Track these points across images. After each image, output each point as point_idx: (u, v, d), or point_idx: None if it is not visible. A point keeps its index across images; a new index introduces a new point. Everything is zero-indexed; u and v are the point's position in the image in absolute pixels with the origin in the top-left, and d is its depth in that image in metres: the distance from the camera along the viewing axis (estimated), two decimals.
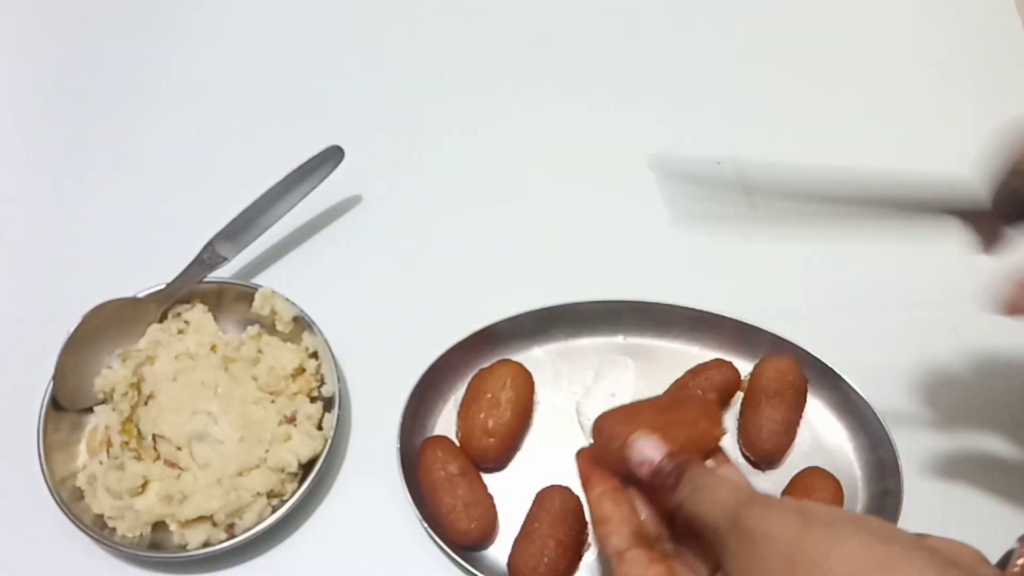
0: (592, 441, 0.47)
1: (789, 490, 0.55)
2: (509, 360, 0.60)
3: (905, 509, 0.54)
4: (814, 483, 0.55)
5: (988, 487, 0.57)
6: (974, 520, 0.56)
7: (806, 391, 0.59)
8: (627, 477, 0.45)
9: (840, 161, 0.71)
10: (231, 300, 0.63)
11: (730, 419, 0.60)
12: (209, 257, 0.62)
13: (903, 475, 0.55)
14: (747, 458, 0.58)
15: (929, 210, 0.47)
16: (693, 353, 0.61)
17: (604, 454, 0.46)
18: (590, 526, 0.55)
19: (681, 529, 0.45)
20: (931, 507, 0.55)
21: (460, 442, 0.58)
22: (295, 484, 0.56)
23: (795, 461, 0.58)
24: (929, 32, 0.79)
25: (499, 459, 0.58)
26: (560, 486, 0.55)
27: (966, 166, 0.72)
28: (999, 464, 0.58)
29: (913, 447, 0.56)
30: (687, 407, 0.48)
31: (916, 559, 0.34)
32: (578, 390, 0.61)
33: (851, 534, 0.36)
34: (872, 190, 0.46)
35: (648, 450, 0.43)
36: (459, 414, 0.58)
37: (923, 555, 0.34)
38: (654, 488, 0.43)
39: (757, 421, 0.57)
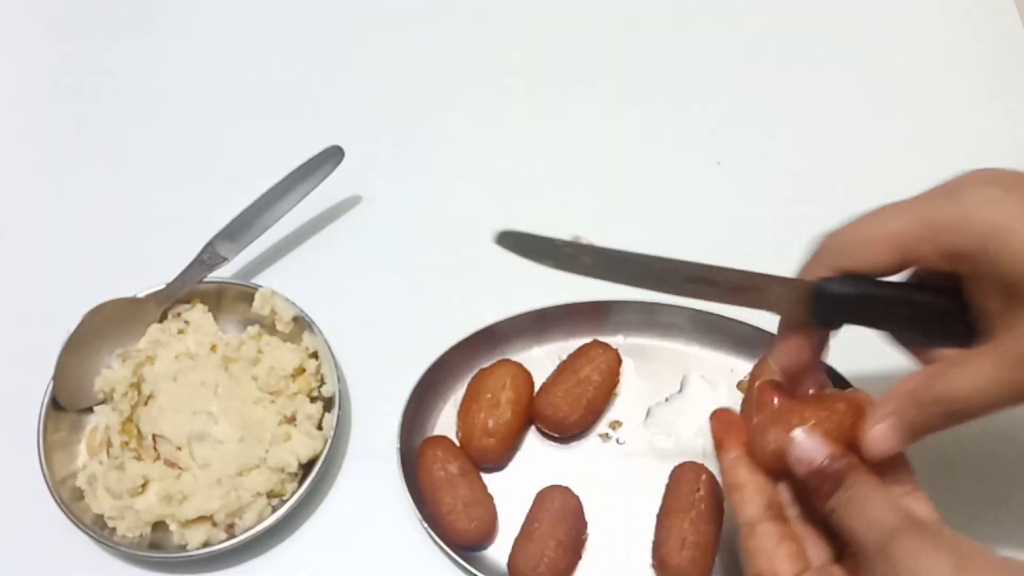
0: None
1: None
2: (509, 360, 0.60)
3: None
4: None
5: (988, 485, 0.57)
6: (974, 518, 0.56)
7: None
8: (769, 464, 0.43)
9: (839, 161, 0.71)
10: (231, 300, 0.63)
11: None
12: (209, 257, 0.62)
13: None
14: None
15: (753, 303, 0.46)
16: (693, 353, 0.61)
17: (754, 441, 0.44)
18: (589, 525, 0.55)
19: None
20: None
21: (460, 442, 0.58)
22: (295, 484, 0.56)
23: None
24: (929, 32, 0.79)
25: (499, 459, 0.58)
26: (560, 486, 0.55)
27: (966, 166, 0.72)
28: (999, 462, 0.58)
29: (912, 445, 0.56)
30: (837, 403, 0.44)
31: None
32: None
33: None
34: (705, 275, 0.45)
35: (810, 448, 0.41)
36: (459, 414, 0.58)
37: None
38: (807, 488, 0.41)
39: None
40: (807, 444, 0.41)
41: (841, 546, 0.43)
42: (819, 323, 0.45)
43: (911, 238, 0.40)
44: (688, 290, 0.45)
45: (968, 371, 0.39)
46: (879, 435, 0.41)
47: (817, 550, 0.43)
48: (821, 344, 0.47)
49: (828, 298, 0.43)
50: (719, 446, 0.45)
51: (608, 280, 0.45)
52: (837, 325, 0.45)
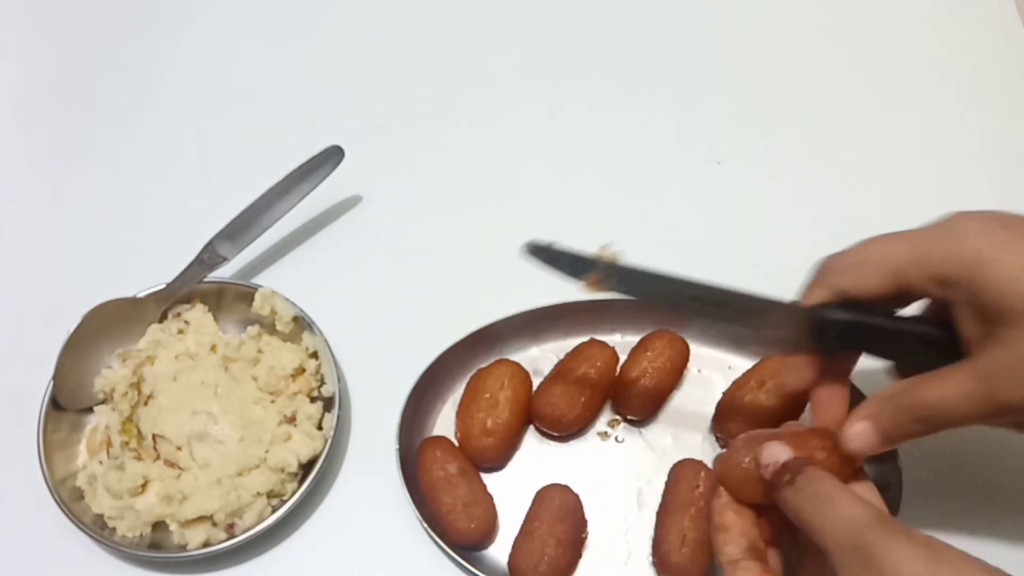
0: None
1: None
2: (507, 360, 0.60)
3: (904, 504, 0.54)
4: None
5: (987, 481, 0.57)
6: (973, 515, 0.56)
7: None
8: (758, 507, 0.45)
9: (839, 161, 0.71)
10: (231, 300, 0.63)
11: None
12: (209, 257, 0.62)
13: (902, 469, 0.55)
14: None
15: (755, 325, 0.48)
16: (691, 352, 0.61)
17: (737, 475, 0.45)
18: (589, 523, 0.55)
19: (803, 544, 0.44)
20: (930, 502, 0.55)
21: (459, 442, 0.58)
22: (295, 484, 0.57)
23: None
24: (929, 32, 0.79)
25: (498, 459, 0.58)
26: (559, 485, 0.55)
27: (966, 166, 0.72)
28: (999, 458, 0.58)
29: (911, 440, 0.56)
30: (807, 436, 0.46)
31: None
32: None
33: None
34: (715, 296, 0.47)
35: (776, 452, 0.43)
36: (457, 414, 0.58)
37: None
38: (775, 488, 0.42)
39: None
40: (773, 447, 0.43)
41: None
42: (818, 347, 0.46)
43: (904, 262, 0.42)
44: (694, 308, 0.48)
45: (940, 382, 0.41)
46: (856, 433, 0.43)
47: None
48: (843, 370, 0.48)
49: (824, 323, 0.45)
50: (717, 491, 0.46)
51: (623, 294, 0.47)
52: (835, 350, 0.46)
